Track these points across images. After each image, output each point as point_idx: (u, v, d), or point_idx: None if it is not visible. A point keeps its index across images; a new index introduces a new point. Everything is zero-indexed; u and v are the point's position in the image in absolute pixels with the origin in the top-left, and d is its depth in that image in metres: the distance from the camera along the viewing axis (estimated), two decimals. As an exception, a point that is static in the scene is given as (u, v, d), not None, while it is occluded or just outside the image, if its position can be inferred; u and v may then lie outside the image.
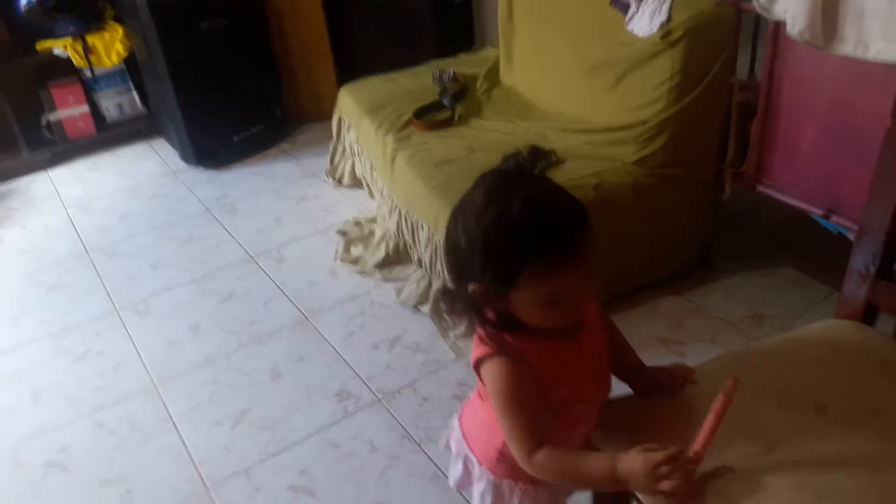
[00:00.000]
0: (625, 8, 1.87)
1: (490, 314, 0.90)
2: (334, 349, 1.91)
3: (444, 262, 1.83)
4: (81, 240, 2.55)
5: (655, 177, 1.86)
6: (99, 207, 2.75)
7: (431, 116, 2.28)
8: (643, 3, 1.81)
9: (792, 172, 1.71)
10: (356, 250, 2.27)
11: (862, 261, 1.13)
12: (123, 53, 3.01)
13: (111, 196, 2.82)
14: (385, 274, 2.16)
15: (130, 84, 3.18)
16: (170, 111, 2.88)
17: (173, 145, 3.08)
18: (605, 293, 1.83)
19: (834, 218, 1.64)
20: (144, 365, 1.93)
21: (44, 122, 3.07)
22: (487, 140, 2.09)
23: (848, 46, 1.42)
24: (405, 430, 1.65)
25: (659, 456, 0.82)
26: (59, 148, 3.09)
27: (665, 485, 0.82)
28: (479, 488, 1.07)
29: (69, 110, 3.07)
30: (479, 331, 0.92)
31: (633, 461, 0.84)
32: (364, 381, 1.80)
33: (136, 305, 2.17)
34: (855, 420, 0.93)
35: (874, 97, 1.46)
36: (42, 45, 2.93)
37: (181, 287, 2.24)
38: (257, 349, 1.94)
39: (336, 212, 2.54)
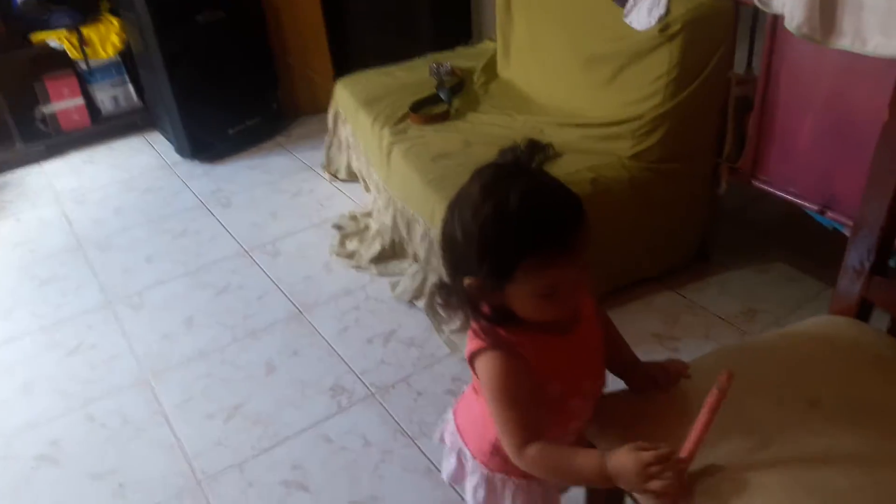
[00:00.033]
0: (623, 1, 1.86)
1: (485, 308, 0.90)
2: (328, 343, 1.91)
3: (440, 256, 1.83)
4: (75, 233, 2.54)
5: (652, 171, 1.85)
6: (93, 200, 2.74)
7: (428, 110, 2.27)
8: (640, -4, 1.80)
9: (788, 168, 1.70)
10: (351, 245, 2.27)
11: (857, 256, 1.12)
12: (119, 46, 2.99)
13: (105, 189, 2.81)
14: (380, 268, 2.15)
15: (126, 77, 3.16)
16: (165, 104, 2.86)
17: (168, 138, 3.06)
18: (600, 288, 1.83)
19: (829, 214, 1.63)
20: (137, 358, 1.92)
21: (38, 114, 3.05)
22: (484, 134, 2.08)
23: (846, 41, 1.41)
24: (399, 424, 1.64)
25: (649, 455, 0.82)
26: (54, 140, 3.07)
27: (654, 484, 0.81)
28: (472, 482, 1.07)
29: (64, 103, 3.05)
30: (474, 325, 0.92)
31: (623, 459, 0.84)
32: (358, 376, 1.79)
33: (129, 298, 2.16)
34: (848, 416, 0.93)
35: (871, 92, 1.45)
36: (37, 37, 2.91)
37: (175, 280, 2.23)
38: (251, 343, 1.94)
39: (331, 206, 2.53)
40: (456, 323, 1.83)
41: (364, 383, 1.77)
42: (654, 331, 1.83)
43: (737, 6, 1.70)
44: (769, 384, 1.00)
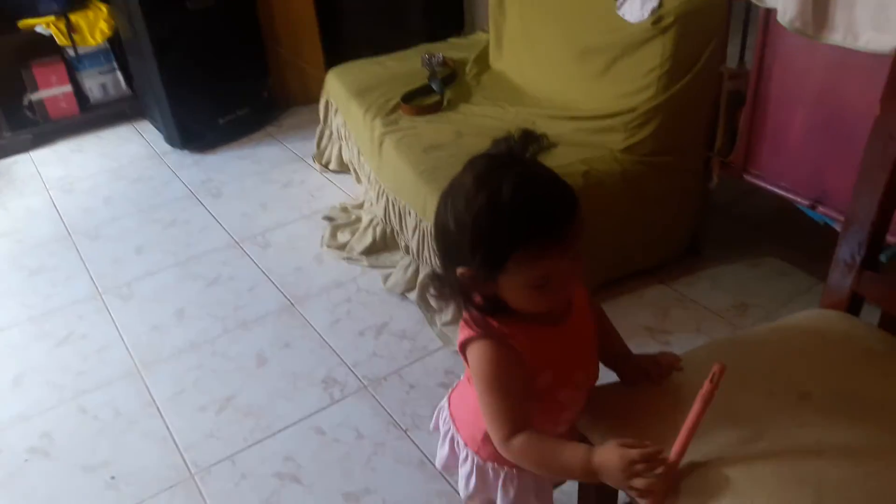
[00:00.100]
0: (616, -6, 1.85)
1: (478, 298, 0.90)
2: (320, 336, 1.90)
3: (432, 246, 1.83)
4: (64, 222, 2.51)
5: (644, 164, 1.86)
6: (82, 189, 2.71)
7: (420, 101, 2.26)
8: (634, -11, 1.80)
9: (779, 162, 1.71)
10: (343, 236, 2.26)
11: (848, 251, 1.13)
12: (108, 32, 2.95)
13: (94, 178, 2.79)
14: (372, 260, 2.15)
15: (115, 64, 3.12)
16: (155, 92, 2.84)
17: (158, 128, 3.04)
18: (592, 280, 1.84)
19: (820, 209, 1.64)
20: (128, 349, 1.92)
21: (26, 101, 3.02)
22: (476, 125, 2.08)
23: (838, 35, 1.42)
24: (391, 417, 1.65)
25: (635, 453, 0.83)
26: (42, 129, 3.04)
27: (639, 482, 0.82)
28: (464, 470, 1.08)
29: (52, 90, 3.02)
30: (466, 314, 0.92)
31: (608, 455, 0.84)
32: (350, 368, 1.79)
33: (119, 289, 2.15)
34: (839, 408, 0.94)
35: (863, 87, 1.46)
36: (24, 23, 2.87)
37: (165, 271, 2.22)
38: (242, 335, 1.93)
39: (322, 197, 2.52)
40: (448, 315, 1.84)
41: (356, 375, 1.77)
42: (645, 324, 1.84)
43: (730, 0, 1.71)
44: (760, 377, 1.00)
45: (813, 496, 0.82)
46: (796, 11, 1.43)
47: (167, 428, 1.67)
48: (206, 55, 2.78)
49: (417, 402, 1.68)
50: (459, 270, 0.86)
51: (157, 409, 1.73)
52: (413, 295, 1.96)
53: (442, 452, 1.13)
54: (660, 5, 1.75)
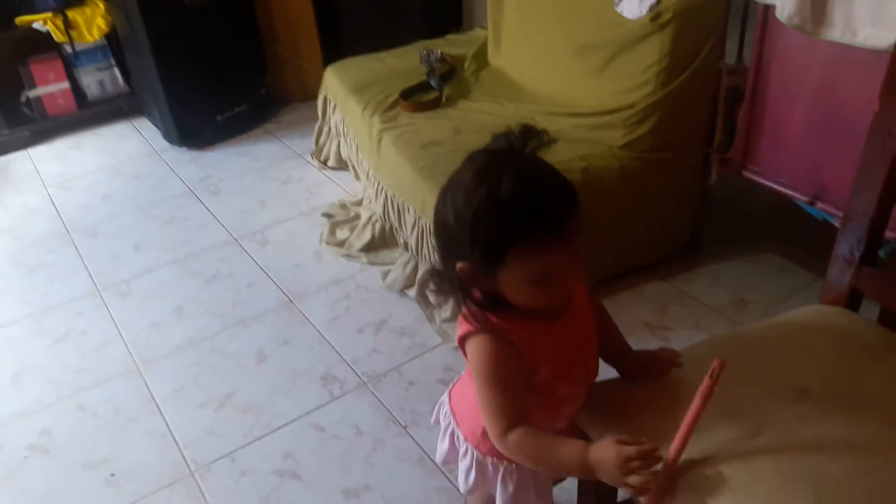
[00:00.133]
0: (614, -10, 1.85)
1: (477, 293, 0.90)
2: (319, 333, 1.90)
3: (432, 242, 1.83)
4: (62, 219, 2.51)
5: (643, 161, 1.86)
6: (80, 187, 2.71)
7: (418, 97, 2.26)
8: (633, -15, 1.80)
9: (778, 158, 1.71)
10: (342, 233, 2.26)
11: (847, 246, 1.13)
12: (105, 29, 2.95)
13: (92, 175, 2.78)
14: (371, 257, 2.15)
15: (112, 61, 3.12)
16: (152, 89, 2.83)
17: (156, 124, 3.03)
18: (591, 277, 1.83)
19: (819, 205, 1.64)
20: (127, 346, 1.92)
21: (23, 98, 3.01)
22: (475, 122, 2.07)
23: (836, 31, 1.42)
24: (391, 413, 1.65)
25: (631, 450, 0.83)
26: (39, 126, 3.03)
27: (634, 479, 0.83)
28: (464, 464, 1.08)
29: (49, 87, 3.01)
30: (465, 309, 0.92)
31: (604, 451, 0.85)
32: (349, 365, 1.79)
33: (118, 286, 2.15)
34: (839, 404, 0.94)
35: (862, 83, 1.46)
36: (21, 20, 2.86)
37: (164, 268, 2.21)
38: (241, 332, 1.93)
39: (321, 194, 2.52)
40: (447, 312, 1.84)
41: (356, 372, 1.77)
42: (644, 320, 1.85)
43: (728, -4, 1.71)
44: (760, 373, 1.01)
45: (813, 492, 0.82)
46: (795, 7, 1.43)
47: (167, 425, 1.67)
48: (203, 52, 2.78)
49: (417, 399, 1.68)
50: (459, 265, 0.86)
51: (157, 406, 1.73)
52: (412, 292, 1.96)
53: (442, 447, 1.13)
54: (658, 2, 1.74)
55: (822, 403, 0.94)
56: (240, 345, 1.89)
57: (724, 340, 1.16)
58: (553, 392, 0.97)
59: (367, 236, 2.18)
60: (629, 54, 1.84)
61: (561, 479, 1.23)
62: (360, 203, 2.35)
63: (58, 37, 2.89)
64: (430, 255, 1.88)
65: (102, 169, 2.82)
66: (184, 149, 2.89)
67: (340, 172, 2.61)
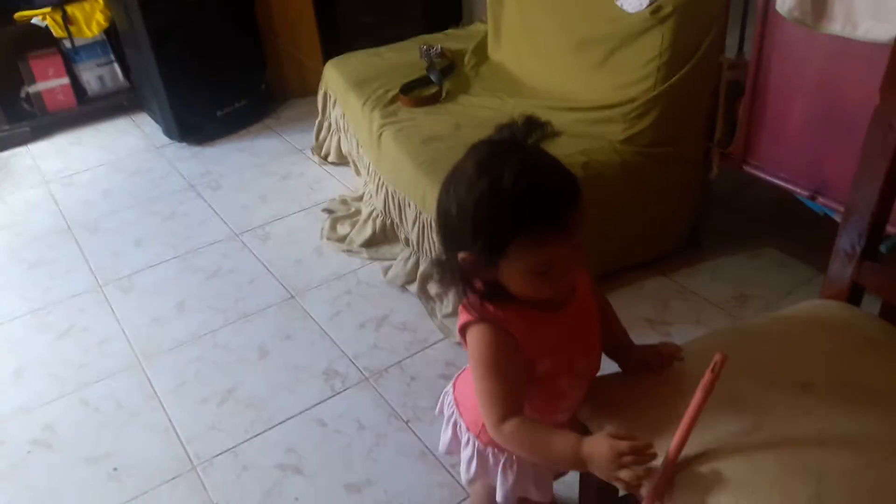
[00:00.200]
0: (615, -16, 1.85)
1: (479, 284, 0.91)
2: (321, 328, 1.91)
3: (432, 237, 1.84)
4: (63, 215, 2.51)
5: (643, 155, 1.86)
6: (80, 182, 2.71)
7: (418, 92, 2.25)
8: (633, -21, 1.80)
9: (779, 153, 1.71)
10: (342, 229, 2.26)
11: (848, 241, 1.13)
12: (104, 24, 2.94)
13: (93, 171, 2.78)
14: (372, 253, 2.15)
15: (112, 56, 3.11)
16: (152, 84, 2.83)
17: (156, 120, 3.03)
18: (592, 272, 1.83)
19: (820, 199, 1.64)
20: (129, 342, 1.92)
21: (23, 94, 3.01)
22: (475, 117, 2.07)
23: (837, 25, 1.42)
24: (392, 408, 1.65)
25: (625, 445, 0.83)
26: (39, 121, 3.03)
27: (625, 474, 0.83)
28: (465, 454, 1.09)
29: (49, 82, 3.01)
30: (465, 299, 0.93)
31: (598, 445, 0.85)
32: (351, 360, 1.80)
33: (119, 282, 2.15)
34: (841, 398, 0.94)
35: (863, 77, 1.46)
36: (20, 15, 2.86)
37: (165, 264, 2.21)
38: (243, 327, 1.93)
39: (321, 189, 2.52)
40: (449, 307, 1.84)
41: (357, 367, 1.77)
42: (645, 315, 1.85)
43: (729, -10, 1.70)
44: (761, 367, 1.01)
45: (814, 485, 0.82)
46: (795, 1, 1.43)
47: (169, 420, 1.68)
48: (203, 47, 2.77)
49: (418, 394, 1.68)
50: (461, 255, 0.87)
51: (159, 401, 1.73)
52: (413, 287, 1.96)
53: (445, 437, 1.14)
54: (659, -4, 1.74)
55: (824, 397, 0.94)
56: (242, 340, 1.89)
57: (725, 334, 1.16)
58: (553, 384, 0.98)
59: (367, 232, 2.18)
60: (629, 48, 1.84)
61: (563, 473, 1.23)
62: (360, 198, 2.35)
63: (57, 32, 2.89)
64: (430, 251, 1.88)
65: (103, 164, 2.82)
66: (184, 144, 2.89)
67: (341, 168, 2.61)
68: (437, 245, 1.82)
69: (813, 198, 1.65)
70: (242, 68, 2.92)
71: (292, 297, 2.03)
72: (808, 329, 1.09)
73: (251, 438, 1.61)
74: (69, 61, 3.04)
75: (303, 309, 1.98)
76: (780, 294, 1.87)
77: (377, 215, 2.18)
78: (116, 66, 3.13)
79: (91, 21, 2.93)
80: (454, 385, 1.14)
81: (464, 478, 1.12)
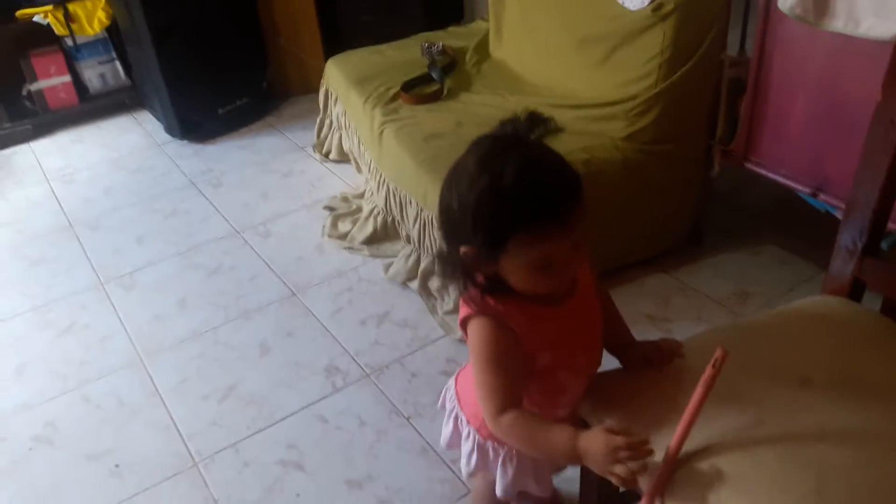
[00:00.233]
0: (616, -19, 1.85)
1: (480, 278, 0.91)
2: (322, 325, 1.91)
3: (434, 233, 1.84)
4: (65, 213, 2.51)
5: (645, 153, 1.86)
6: (82, 180, 2.71)
7: (420, 90, 2.25)
8: (635, -24, 1.80)
9: (780, 150, 1.71)
10: (344, 226, 2.26)
11: (849, 237, 1.14)
12: (106, 21, 2.95)
13: (95, 168, 2.78)
14: (373, 250, 2.15)
15: (113, 54, 3.12)
16: (154, 82, 2.83)
17: (158, 118, 3.03)
18: (593, 269, 1.84)
19: (821, 196, 1.64)
20: (130, 339, 1.92)
21: (25, 91, 3.01)
22: (476, 114, 2.07)
23: (839, 22, 1.41)
24: (393, 405, 1.65)
25: (620, 440, 0.83)
26: (41, 119, 3.03)
27: (619, 469, 0.83)
28: (466, 447, 1.10)
29: (51, 80, 3.01)
30: (466, 293, 0.93)
31: (593, 440, 0.85)
32: (352, 357, 1.80)
33: (121, 279, 2.15)
34: (841, 393, 0.94)
35: (864, 74, 1.46)
36: (22, 13, 2.86)
37: (167, 261, 2.22)
38: (245, 324, 1.94)
39: (322, 187, 2.52)
40: (450, 304, 1.84)
41: (358, 364, 1.77)
42: (646, 312, 1.85)
43: (731, -13, 1.70)
44: (762, 362, 1.01)
45: (814, 480, 0.82)
46: (797, -2, 1.43)
47: (170, 416, 1.68)
48: (204, 45, 2.77)
49: (419, 391, 1.68)
50: (462, 249, 0.87)
51: (161, 398, 1.73)
52: (414, 284, 1.96)
53: (446, 430, 1.15)
54: (660, -7, 1.74)
55: (825, 393, 0.94)
56: (243, 337, 1.89)
57: (726, 331, 1.17)
58: (553, 378, 0.98)
59: (369, 229, 2.18)
60: (631, 46, 1.84)
61: (562, 467, 1.23)
62: (361, 196, 2.35)
63: (59, 30, 2.89)
64: (431, 248, 1.88)
65: (104, 162, 2.82)
66: (185, 142, 2.89)
67: (342, 165, 2.62)
68: (438, 242, 1.82)
69: (814, 195, 1.65)
70: (244, 66, 2.92)
71: (293, 294, 2.03)
72: (809, 325, 1.09)
73: (252, 435, 1.61)
74: (71, 59, 3.04)
75: (304, 306, 1.98)
76: (781, 291, 1.87)
77: (378, 212, 2.18)
78: (118, 64, 3.14)
79: (93, 19, 2.93)
80: (456, 379, 1.14)
81: (464, 471, 1.12)
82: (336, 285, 2.04)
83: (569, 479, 1.31)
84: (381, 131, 2.11)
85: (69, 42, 2.98)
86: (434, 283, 1.91)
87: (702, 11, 1.73)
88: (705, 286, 1.92)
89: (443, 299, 1.88)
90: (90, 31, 2.96)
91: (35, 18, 2.86)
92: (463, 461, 1.11)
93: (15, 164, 2.86)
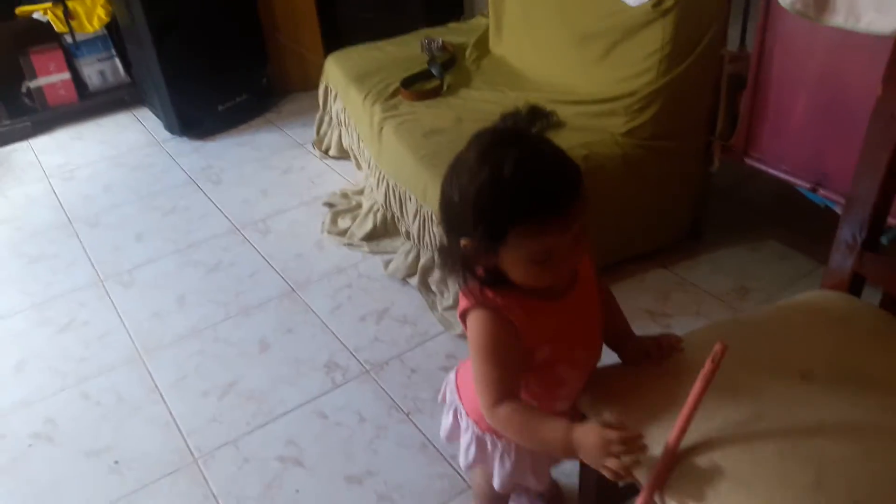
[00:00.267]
0: (616, -23, 1.84)
1: (480, 271, 0.92)
2: (322, 321, 1.91)
3: (434, 229, 1.83)
4: (64, 210, 2.51)
5: (645, 148, 1.85)
6: (82, 177, 2.71)
7: (420, 86, 2.25)
8: (635, -29, 1.79)
9: (780, 145, 1.71)
10: (343, 222, 2.26)
11: (849, 231, 1.14)
12: (105, 19, 2.94)
13: (94, 166, 2.78)
14: (372, 246, 2.15)
15: (113, 51, 3.11)
16: (153, 79, 2.83)
17: (157, 114, 3.03)
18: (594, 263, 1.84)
19: (821, 191, 1.64)
20: (130, 335, 1.92)
21: (24, 89, 3.01)
22: (476, 110, 2.07)
23: (839, 17, 1.41)
24: (393, 401, 1.65)
25: (613, 434, 0.84)
26: (40, 116, 3.03)
27: (612, 462, 0.83)
28: (465, 440, 1.10)
29: (50, 77, 3.01)
30: (465, 286, 0.93)
31: (588, 433, 0.86)
32: (352, 353, 1.80)
33: (120, 276, 2.15)
34: (841, 387, 0.94)
35: (865, 69, 1.46)
36: (21, 10, 2.86)
37: (166, 258, 2.22)
38: (244, 320, 1.94)
39: (322, 183, 2.52)
40: (449, 300, 1.84)
41: (358, 360, 1.77)
42: (646, 307, 1.85)
43: (731, -18, 1.70)
44: (762, 357, 1.01)
45: (814, 474, 0.82)
46: (797, -7, 1.42)
47: (170, 413, 1.68)
48: (204, 42, 2.77)
49: (419, 387, 1.68)
50: (463, 242, 0.87)
51: (160, 394, 1.73)
52: (414, 280, 1.96)
53: (445, 423, 1.15)
54: (660, -12, 1.74)
55: (824, 387, 0.94)
56: (243, 333, 1.89)
57: (725, 325, 1.16)
58: (552, 371, 0.98)
59: (368, 225, 2.18)
60: (631, 41, 1.83)
61: (560, 461, 1.23)
62: (361, 192, 2.35)
63: (58, 27, 2.89)
64: (431, 244, 1.88)
65: (104, 159, 2.82)
66: (185, 139, 2.89)
67: (342, 162, 2.61)
68: (437, 238, 1.82)
69: (814, 190, 1.65)
70: (243, 63, 2.92)
71: (293, 290, 2.03)
72: (808, 319, 1.09)
73: (252, 431, 1.61)
74: (70, 56, 3.04)
75: (304, 302, 1.98)
76: (780, 286, 1.87)
77: (378, 209, 2.18)
78: (117, 61, 3.13)
79: (92, 16, 2.93)
80: (456, 372, 1.15)
81: (462, 464, 1.13)
82: (335, 282, 2.04)
83: (569, 473, 1.31)
84: (381, 127, 2.11)
85: (69, 39, 2.97)
86: (434, 280, 1.91)
87: (702, 7, 1.73)
88: (705, 281, 1.92)
89: (442, 295, 1.87)
90: (90, 29, 2.95)
91: (35, 15, 2.86)
92: (461, 453, 1.12)
93: (14, 162, 2.86)
